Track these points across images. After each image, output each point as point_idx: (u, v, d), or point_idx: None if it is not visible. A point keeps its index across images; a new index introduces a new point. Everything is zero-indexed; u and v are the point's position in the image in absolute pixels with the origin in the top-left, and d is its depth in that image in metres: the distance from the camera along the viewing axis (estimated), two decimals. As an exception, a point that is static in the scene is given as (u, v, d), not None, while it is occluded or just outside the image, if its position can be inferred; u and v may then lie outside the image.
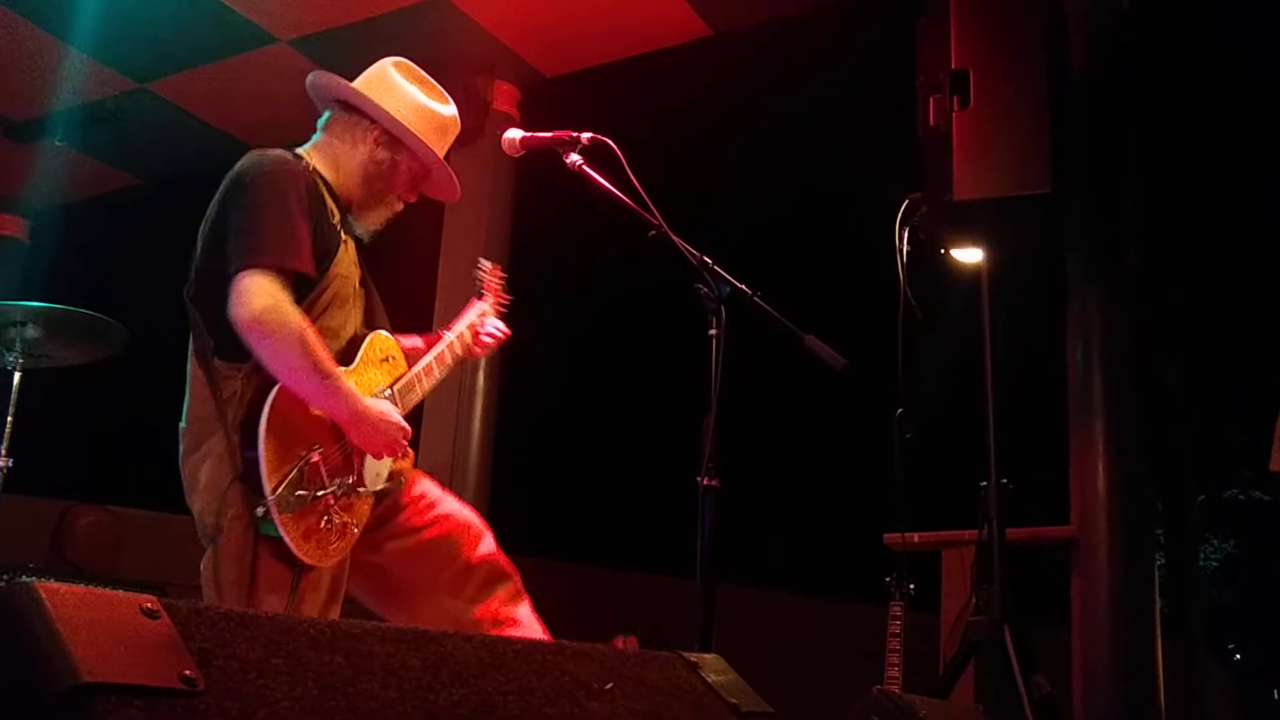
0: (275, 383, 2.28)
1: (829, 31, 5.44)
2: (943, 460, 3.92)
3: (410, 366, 2.66)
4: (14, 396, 3.93)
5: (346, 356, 2.48)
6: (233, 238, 2.30)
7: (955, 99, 3.33)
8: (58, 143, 6.39)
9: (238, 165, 2.43)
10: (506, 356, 5.94)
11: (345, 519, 2.38)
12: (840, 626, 7.21)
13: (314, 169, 2.51)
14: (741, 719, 1.65)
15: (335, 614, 2.41)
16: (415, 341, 2.78)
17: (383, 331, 2.62)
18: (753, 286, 2.64)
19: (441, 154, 2.74)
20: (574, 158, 2.64)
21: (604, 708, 1.45)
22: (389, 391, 2.53)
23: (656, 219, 2.58)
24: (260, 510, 2.21)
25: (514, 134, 2.77)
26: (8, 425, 3.87)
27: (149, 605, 1.04)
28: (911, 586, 3.73)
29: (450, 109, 2.77)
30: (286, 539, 2.23)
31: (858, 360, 2.71)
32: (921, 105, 3.46)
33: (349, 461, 2.39)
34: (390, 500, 2.57)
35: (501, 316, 3.06)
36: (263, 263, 2.26)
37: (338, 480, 2.35)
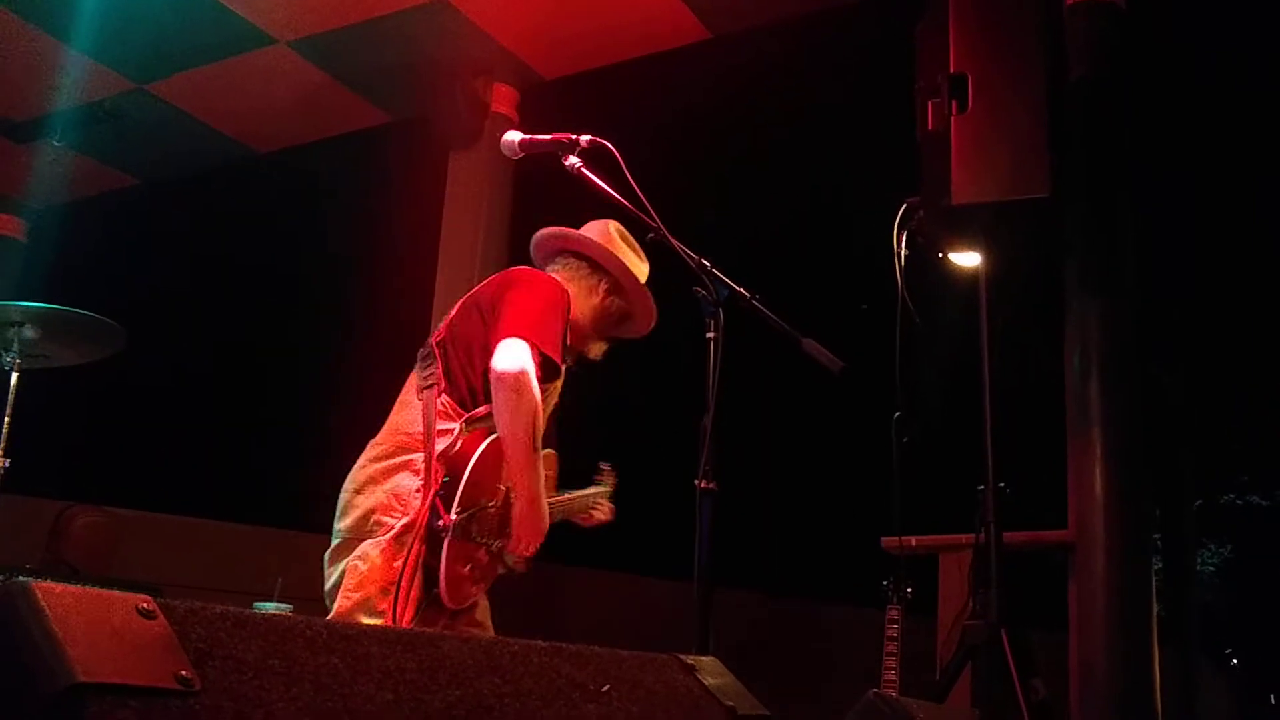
0: (483, 436, 2.58)
1: (827, 35, 5.45)
2: (940, 464, 3.92)
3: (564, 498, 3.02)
4: (11, 397, 3.93)
5: None
6: (508, 310, 2.64)
7: (953, 103, 3.34)
8: (56, 143, 6.38)
9: (519, 267, 2.86)
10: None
11: (481, 578, 2.65)
12: (837, 630, 7.21)
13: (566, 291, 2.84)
14: (738, 722, 1.65)
15: None
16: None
17: (551, 451, 2.95)
18: (751, 289, 2.64)
19: (646, 300, 3.03)
20: (573, 160, 2.64)
21: (600, 710, 1.45)
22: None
23: (655, 221, 2.58)
24: (439, 525, 2.47)
25: (513, 136, 2.76)
26: (5, 425, 3.86)
27: (145, 605, 1.04)
28: (909, 590, 3.73)
29: (646, 267, 3.05)
30: (443, 562, 2.47)
31: (855, 364, 2.71)
32: (919, 109, 3.47)
33: (505, 530, 2.66)
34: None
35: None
36: (531, 338, 2.58)
37: (494, 540, 2.63)
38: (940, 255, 3.56)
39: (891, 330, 3.41)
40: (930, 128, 3.42)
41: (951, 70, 3.36)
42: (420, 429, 2.60)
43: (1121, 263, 3.88)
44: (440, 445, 2.56)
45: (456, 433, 2.58)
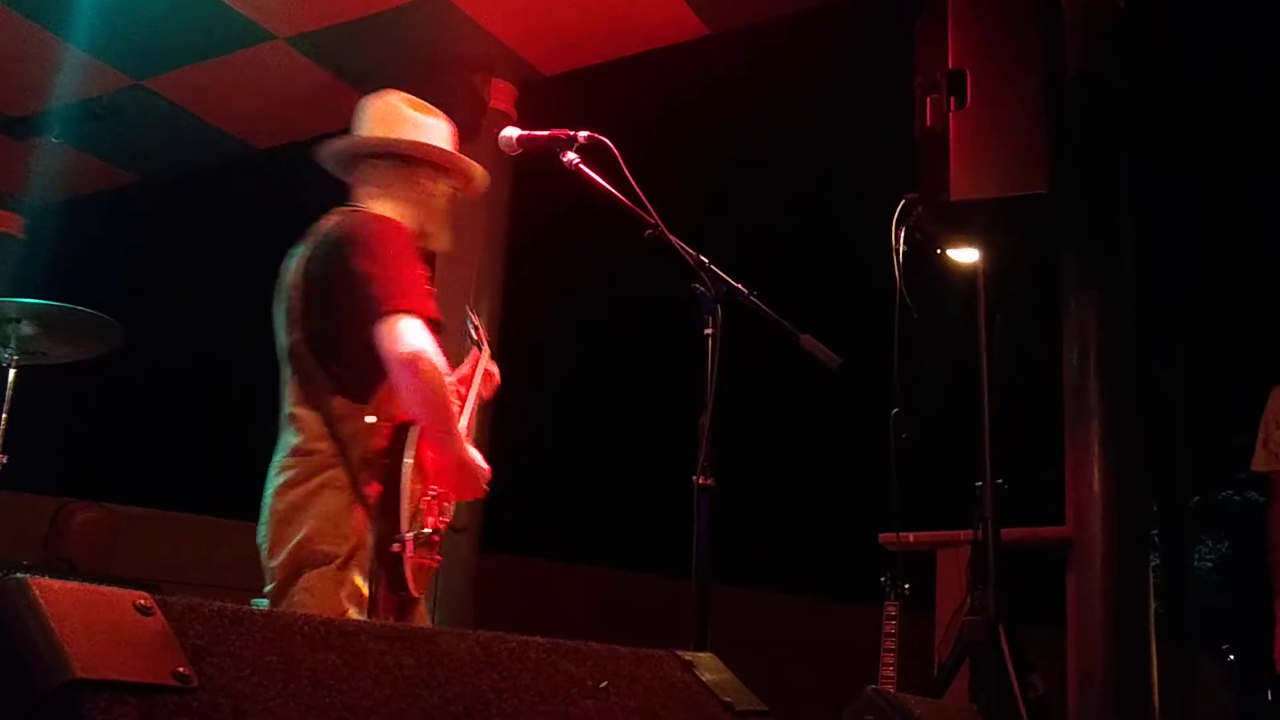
0: (395, 423, 2.43)
1: (826, 31, 5.45)
2: (938, 460, 3.93)
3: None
4: (9, 393, 3.93)
5: None
6: (367, 286, 2.42)
7: (952, 99, 3.34)
8: (54, 139, 6.38)
9: (338, 225, 2.57)
10: (502, 355, 5.95)
11: (436, 554, 2.53)
12: (835, 626, 7.21)
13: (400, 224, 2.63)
14: (736, 718, 1.65)
15: None
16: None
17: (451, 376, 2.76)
18: (749, 286, 2.64)
19: (461, 158, 2.84)
20: (571, 156, 2.64)
21: (598, 706, 1.45)
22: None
23: (653, 218, 2.58)
24: (396, 546, 2.34)
25: (511, 132, 2.76)
26: (3, 422, 3.87)
27: (142, 602, 1.04)
28: (906, 586, 3.73)
29: (440, 116, 2.86)
30: (408, 572, 2.35)
31: (854, 360, 2.71)
32: (918, 105, 3.47)
33: (444, 500, 2.55)
34: None
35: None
36: (411, 308, 2.41)
37: (444, 520, 2.53)
38: (938, 251, 3.56)
39: (890, 326, 3.41)
40: (928, 124, 3.42)
41: (950, 66, 3.36)
42: (328, 443, 2.42)
43: (1120, 259, 3.89)
44: (356, 451, 2.41)
45: (362, 431, 2.42)
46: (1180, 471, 7.90)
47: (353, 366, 2.44)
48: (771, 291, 2.68)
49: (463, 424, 2.66)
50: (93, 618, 0.98)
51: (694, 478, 2.50)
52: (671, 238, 2.59)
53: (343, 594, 2.34)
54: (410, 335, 2.38)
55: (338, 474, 2.40)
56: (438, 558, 2.49)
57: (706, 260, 2.60)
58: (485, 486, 2.64)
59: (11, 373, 3.95)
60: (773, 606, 7.88)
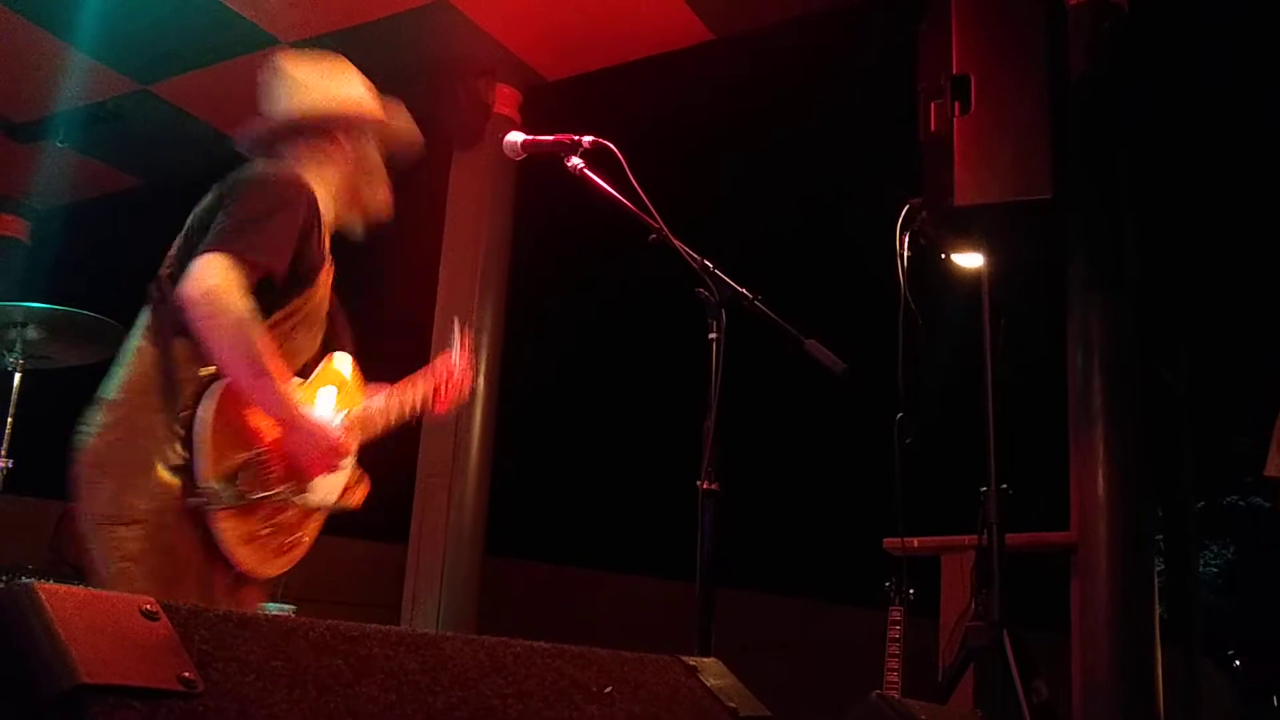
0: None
1: (830, 37, 5.45)
2: (943, 465, 3.92)
3: (373, 398, 2.65)
4: (14, 397, 3.93)
5: (303, 376, 2.46)
6: (217, 225, 2.27)
7: (956, 104, 3.34)
8: (59, 144, 6.40)
9: (244, 168, 2.43)
10: (507, 359, 5.95)
11: (296, 533, 2.35)
12: (839, 630, 7.20)
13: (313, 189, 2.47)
14: (740, 723, 1.65)
15: None
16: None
17: (344, 354, 2.61)
18: (753, 290, 2.64)
19: (381, 108, 2.70)
20: (575, 161, 2.64)
21: (603, 711, 1.45)
22: (343, 414, 2.51)
23: (657, 222, 2.58)
24: (193, 501, 2.13)
25: (515, 137, 2.76)
26: (8, 426, 3.87)
27: (148, 607, 1.04)
28: (911, 591, 3.73)
29: (345, 66, 2.69)
30: (222, 539, 2.17)
31: (858, 365, 2.71)
32: (922, 110, 3.47)
33: (297, 469, 2.34)
34: None
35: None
36: (232, 249, 2.21)
37: (285, 486, 2.30)
38: (943, 256, 3.56)
39: (894, 331, 3.41)
40: (933, 129, 3.42)
41: (954, 71, 3.36)
42: (156, 386, 2.22)
43: (1124, 263, 3.88)
44: (181, 400, 2.20)
45: (197, 381, 2.22)
46: (1185, 476, 7.88)
47: None
48: (776, 296, 2.68)
49: (328, 404, 2.51)
50: (98, 623, 0.98)
51: (698, 482, 2.50)
52: (676, 242, 2.59)
53: (171, 561, 2.15)
54: (210, 272, 2.17)
55: (156, 423, 2.19)
56: (295, 534, 2.33)
57: (711, 265, 2.60)
58: (334, 460, 2.37)
59: (17, 376, 3.96)
60: (777, 611, 7.87)
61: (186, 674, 1.00)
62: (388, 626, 1.29)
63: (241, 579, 2.28)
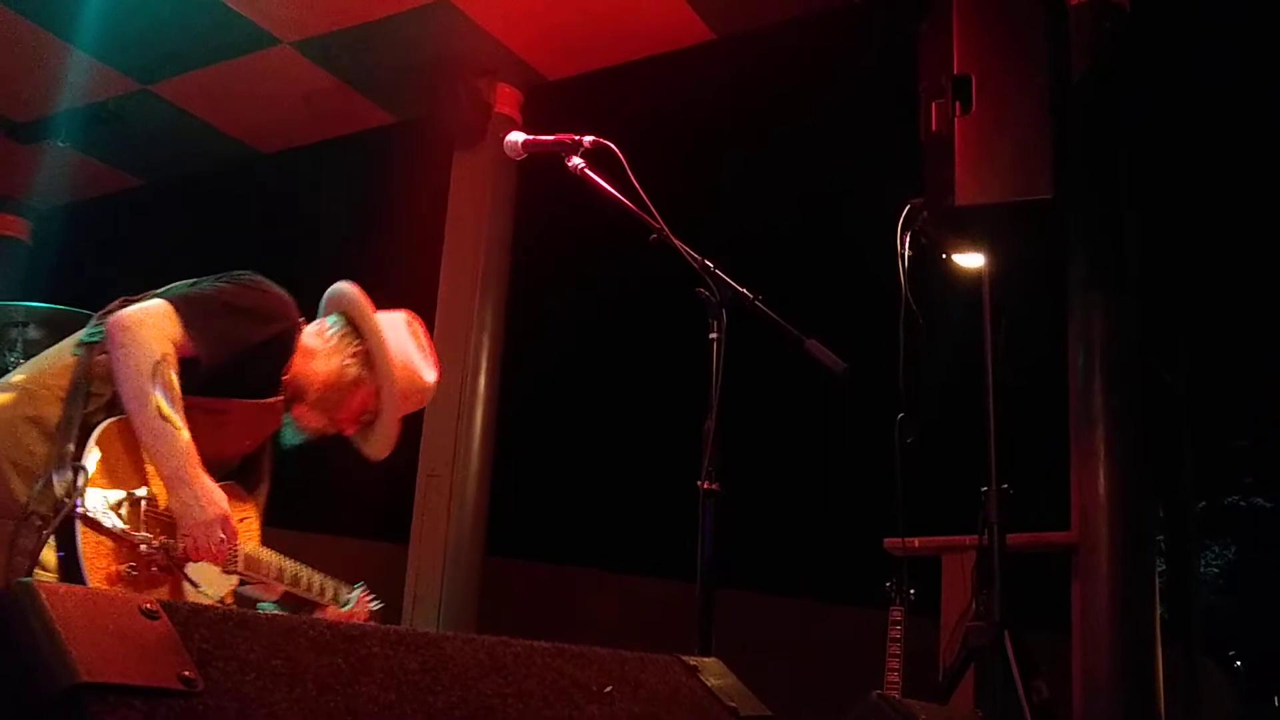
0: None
1: (832, 36, 5.45)
2: (943, 465, 3.92)
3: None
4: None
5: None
6: (193, 285, 2.30)
7: (957, 104, 3.34)
8: (60, 144, 6.40)
9: (248, 273, 2.44)
10: (507, 359, 5.96)
11: (153, 592, 2.13)
12: (840, 630, 7.20)
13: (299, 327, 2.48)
14: (740, 723, 1.65)
15: None
16: None
17: (248, 502, 2.53)
18: (754, 290, 2.64)
19: (400, 413, 2.60)
20: (576, 161, 2.64)
21: (603, 711, 1.45)
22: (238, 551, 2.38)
23: (658, 222, 2.58)
24: (68, 500, 2.00)
25: (516, 137, 2.76)
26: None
27: (148, 605, 1.04)
28: (912, 591, 3.72)
29: (431, 379, 2.62)
30: (80, 552, 2.00)
31: (859, 365, 2.71)
32: (923, 110, 3.47)
33: (172, 530, 2.19)
34: None
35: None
36: (184, 312, 2.21)
37: (161, 541, 2.15)
38: (944, 256, 3.56)
39: (895, 331, 3.41)
40: (934, 129, 3.42)
41: (955, 71, 3.36)
42: (65, 384, 2.16)
43: (1125, 263, 3.88)
44: (82, 408, 2.13)
45: (104, 398, 2.17)
46: (1186, 476, 7.88)
47: None
48: (776, 296, 2.68)
49: (269, 555, 2.49)
50: (99, 622, 0.98)
51: (699, 482, 2.50)
52: (676, 242, 2.59)
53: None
54: (149, 313, 2.17)
55: (49, 418, 2.12)
56: (154, 593, 2.08)
57: (711, 265, 2.60)
58: (215, 546, 2.20)
59: (17, 376, 3.95)
60: (777, 611, 7.87)
61: (186, 673, 1.00)
62: (387, 626, 1.29)
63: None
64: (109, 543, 2.07)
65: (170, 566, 2.17)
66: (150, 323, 2.17)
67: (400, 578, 5.68)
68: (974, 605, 3.28)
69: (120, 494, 2.12)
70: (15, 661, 0.94)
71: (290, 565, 2.59)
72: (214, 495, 2.21)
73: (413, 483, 5.78)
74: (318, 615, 2.62)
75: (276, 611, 2.49)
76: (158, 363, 2.13)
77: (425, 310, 5.92)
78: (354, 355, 2.52)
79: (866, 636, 4.15)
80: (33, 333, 3.91)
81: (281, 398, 2.47)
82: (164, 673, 0.99)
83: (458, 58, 5.65)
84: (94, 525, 2.04)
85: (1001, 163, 3.29)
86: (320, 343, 2.53)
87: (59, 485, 2.02)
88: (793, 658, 7.07)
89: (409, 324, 2.64)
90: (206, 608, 1.11)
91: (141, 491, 2.15)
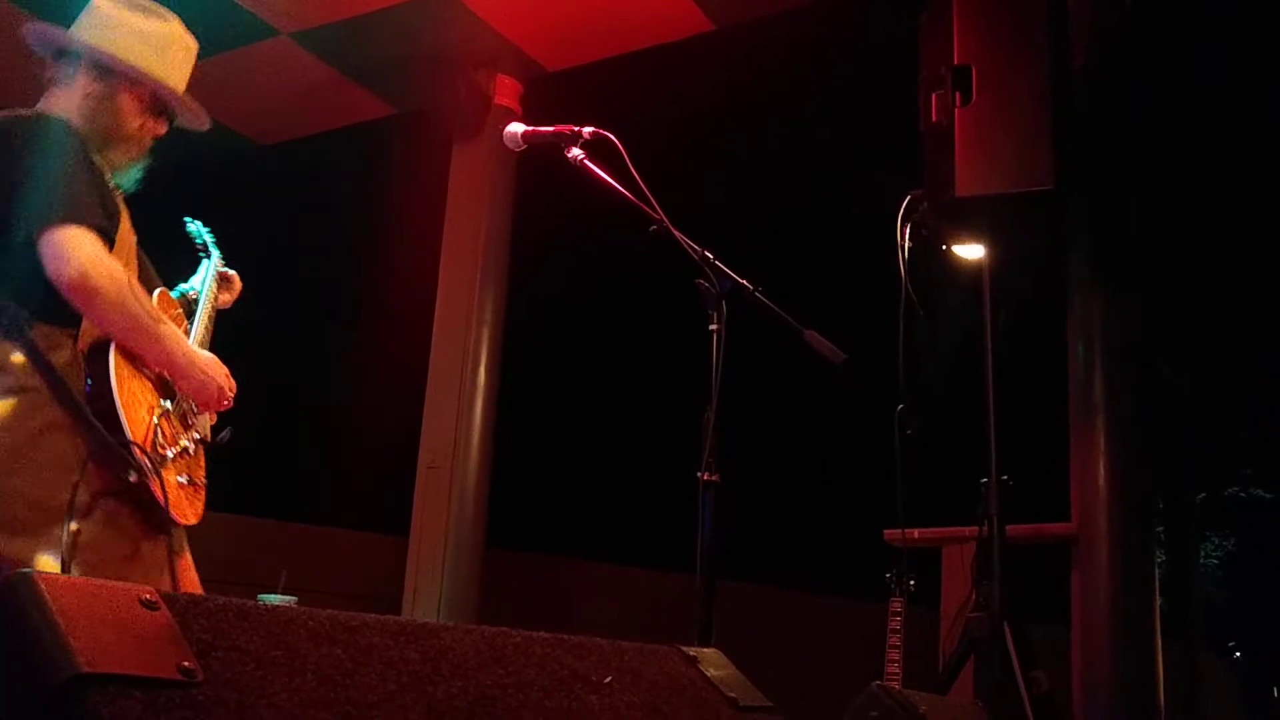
0: (109, 342, 2.18)
1: (831, 27, 5.44)
2: (943, 456, 3.92)
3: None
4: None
5: None
6: (29, 192, 2.16)
7: (957, 95, 3.33)
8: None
9: (5, 125, 2.29)
10: (508, 351, 5.96)
11: (198, 474, 2.37)
12: (840, 622, 7.22)
13: (70, 126, 2.35)
14: (740, 713, 1.65)
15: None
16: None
17: (164, 289, 2.55)
18: (753, 281, 2.64)
19: (169, 72, 2.54)
20: (575, 152, 2.64)
21: (603, 701, 1.45)
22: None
23: (658, 213, 2.58)
24: (134, 476, 2.09)
25: (515, 128, 2.76)
26: None
27: (148, 596, 1.04)
28: (912, 582, 3.73)
29: (169, 23, 2.54)
30: (164, 502, 2.16)
31: (859, 356, 2.71)
32: (923, 101, 3.46)
33: (188, 417, 2.38)
34: None
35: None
36: (72, 217, 2.15)
37: (187, 435, 2.34)
38: (944, 248, 3.56)
39: (895, 323, 3.41)
40: (934, 120, 3.41)
41: (955, 62, 3.35)
42: (38, 378, 2.12)
43: (1126, 255, 3.88)
44: (74, 384, 2.14)
45: (76, 361, 2.16)
46: (1186, 468, 7.89)
47: (47, 287, 2.12)
48: (776, 287, 2.68)
49: (193, 337, 2.53)
50: (98, 612, 0.98)
51: (699, 473, 2.50)
52: (676, 233, 2.58)
53: (121, 543, 2.13)
54: (74, 249, 2.11)
55: (57, 414, 2.10)
56: (199, 474, 2.37)
57: (711, 256, 2.60)
58: (227, 394, 2.42)
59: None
60: (777, 602, 7.88)
61: (186, 663, 1.00)
62: (387, 616, 1.29)
63: (173, 549, 2.29)
64: (166, 473, 2.21)
65: (198, 444, 2.39)
66: (91, 257, 2.13)
67: (401, 570, 5.69)
68: (974, 596, 3.28)
69: (146, 429, 2.19)
70: (15, 652, 0.94)
71: (204, 319, 2.68)
72: (213, 361, 2.42)
73: (413, 475, 5.79)
74: None
75: (279, 602, 2.50)
76: (124, 289, 2.17)
77: (425, 302, 5.94)
78: (85, 74, 2.45)
79: (866, 628, 4.16)
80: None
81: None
82: (164, 663, 0.99)
83: (457, 49, 5.64)
84: (157, 469, 2.15)
85: (1002, 154, 3.29)
86: (61, 94, 2.45)
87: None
88: (793, 649, 7.09)
89: (134, 9, 2.53)
90: (207, 599, 1.11)
91: (157, 412, 2.25)
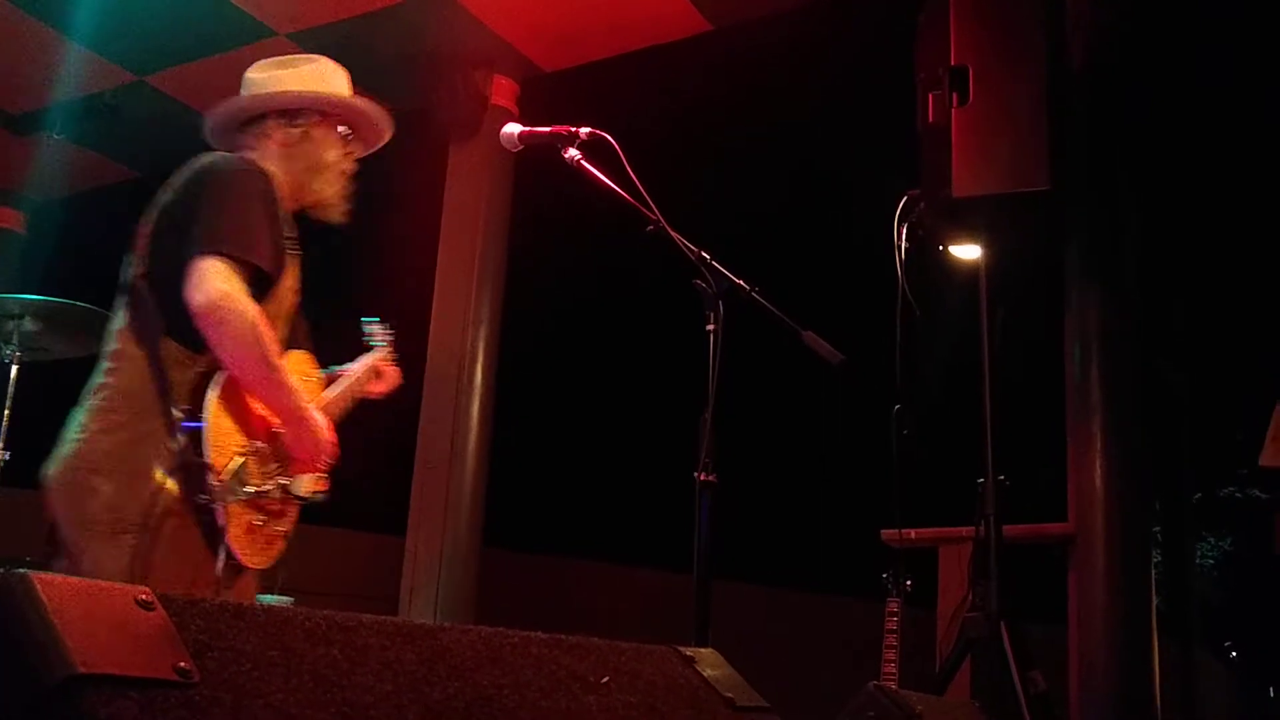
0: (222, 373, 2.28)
1: (828, 27, 5.44)
2: (940, 456, 3.92)
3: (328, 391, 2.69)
4: (11, 389, 3.93)
5: None
6: (195, 225, 2.28)
7: (954, 95, 3.33)
8: (56, 135, 6.38)
9: (202, 160, 2.43)
10: (504, 351, 5.95)
11: (279, 525, 2.40)
12: (837, 622, 7.22)
13: (265, 172, 2.49)
14: (737, 713, 1.65)
15: None
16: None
17: (303, 352, 2.62)
18: (751, 282, 2.64)
19: (343, 91, 2.70)
20: (572, 153, 2.64)
21: (600, 701, 1.45)
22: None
23: (655, 214, 2.58)
24: (203, 498, 2.18)
25: (512, 129, 2.76)
26: (5, 418, 3.87)
27: (144, 597, 1.04)
28: (908, 582, 3.73)
29: (318, 60, 2.71)
30: (227, 534, 2.21)
31: (856, 356, 2.71)
32: (921, 101, 3.46)
33: (285, 464, 2.39)
34: None
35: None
36: (223, 250, 2.25)
37: (275, 481, 2.36)
38: (940, 248, 3.56)
39: (892, 323, 3.41)
40: (931, 120, 3.41)
41: (952, 62, 3.35)
42: (151, 388, 2.26)
43: (1122, 255, 3.88)
44: (180, 402, 2.25)
45: (191, 383, 2.27)
46: (1183, 468, 7.89)
47: (184, 309, 2.24)
48: (774, 288, 2.68)
49: (321, 400, 2.58)
50: (94, 612, 0.98)
51: (695, 473, 2.50)
52: (673, 233, 2.58)
53: (181, 563, 2.20)
54: (211, 280, 2.21)
55: (154, 425, 2.22)
56: (280, 526, 2.38)
57: (708, 256, 2.60)
58: (324, 459, 2.45)
59: (14, 369, 3.95)
60: (774, 602, 7.89)
61: (182, 664, 1.00)
62: (384, 617, 1.29)
63: (234, 572, 2.32)
64: (241, 508, 2.27)
65: (286, 498, 2.40)
66: (226, 291, 2.23)
67: (397, 570, 5.68)
68: (970, 596, 3.28)
69: (234, 459, 2.25)
70: (11, 652, 0.94)
71: (349, 401, 2.75)
72: (321, 426, 2.43)
73: (409, 474, 5.79)
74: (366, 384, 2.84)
75: (275, 603, 2.51)
76: (254, 326, 2.24)
77: (422, 302, 5.94)
78: (275, 125, 2.57)
79: (863, 628, 4.16)
80: (28, 325, 3.91)
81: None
82: (160, 664, 0.98)
83: (454, 49, 5.64)
84: (230, 499, 2.22)
85: (999, 154, 3.29)
86: (261, 154, 2.55)
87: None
88: (789, 649, 7.09)
89: (277, 63, 2.69)
90: (202, 600, 1.11)
91: (256, 445, 2.31)
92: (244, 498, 2.26)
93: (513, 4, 5.38)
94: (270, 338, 2.29)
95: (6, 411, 3.89)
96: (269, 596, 4.31)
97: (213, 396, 2.24)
